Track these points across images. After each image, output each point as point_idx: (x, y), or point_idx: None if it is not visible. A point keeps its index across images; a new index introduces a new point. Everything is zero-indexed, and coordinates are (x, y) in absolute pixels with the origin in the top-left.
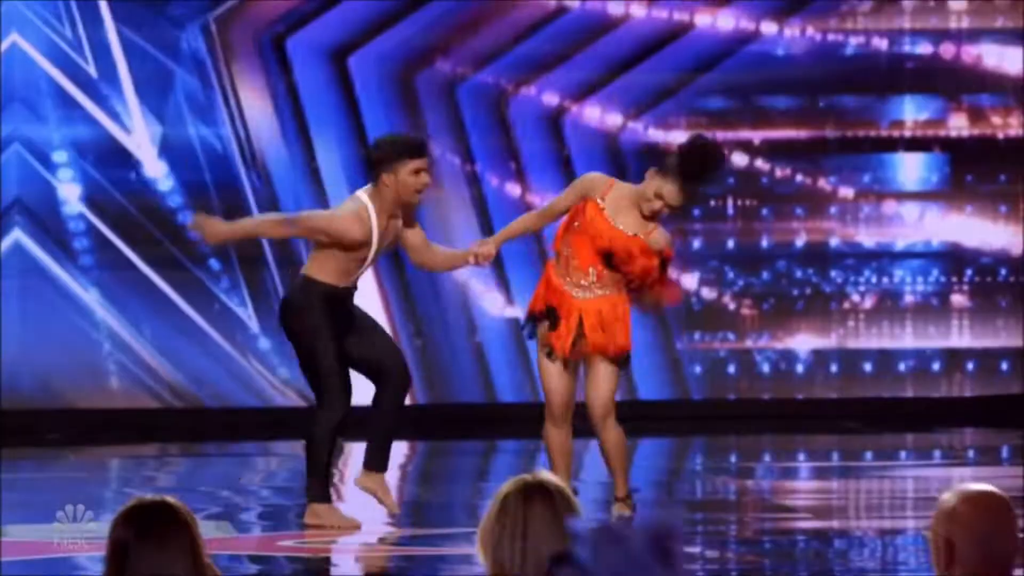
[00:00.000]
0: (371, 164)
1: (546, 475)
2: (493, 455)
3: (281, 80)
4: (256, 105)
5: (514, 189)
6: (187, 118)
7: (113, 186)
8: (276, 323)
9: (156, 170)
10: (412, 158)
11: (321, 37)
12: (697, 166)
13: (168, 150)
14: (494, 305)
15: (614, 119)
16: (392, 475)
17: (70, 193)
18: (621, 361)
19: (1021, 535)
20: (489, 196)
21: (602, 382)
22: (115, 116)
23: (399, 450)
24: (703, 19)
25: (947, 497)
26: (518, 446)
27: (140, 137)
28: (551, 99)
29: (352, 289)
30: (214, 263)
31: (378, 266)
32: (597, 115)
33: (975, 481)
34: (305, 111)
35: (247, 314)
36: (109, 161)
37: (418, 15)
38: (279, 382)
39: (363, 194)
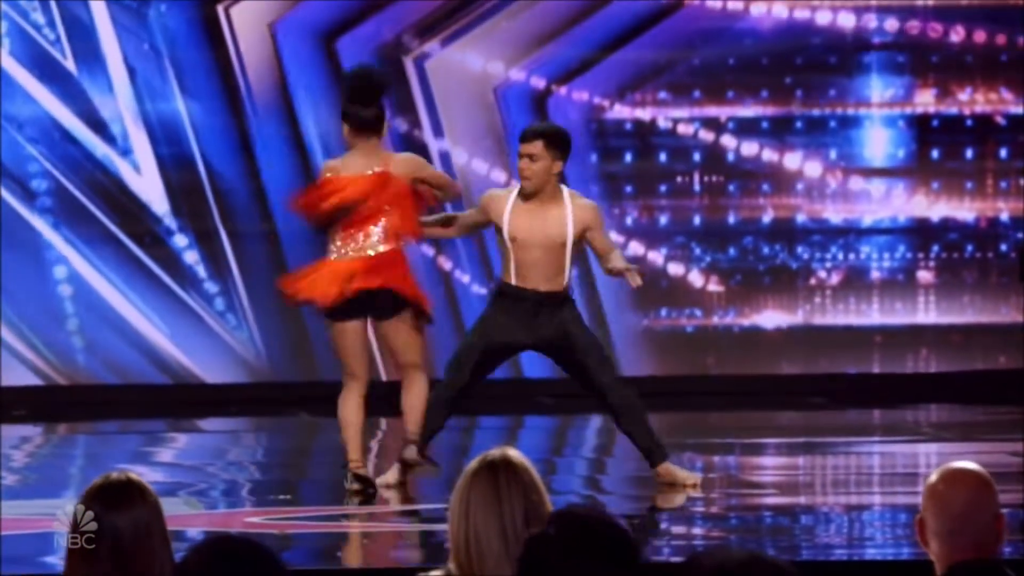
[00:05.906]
0: None
1: (497, 452)
2: (475, 431)
3: (273, 59)
4: (247, 83)
5: (493, 171)
6: (175, 95)
7: (88, 161)
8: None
9: (138, 145)
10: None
11: (310, 19)
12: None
13: (151, 126)
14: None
15: (580, 97)
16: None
17: (38, 167)
18: None
19: (1004, 511)
20: (473, 179)
21: None
22: (95, 92)
23: (379, 426)
24: None
25: (931, 475)
26: (500, 422)
27: (122, 111)
28: (537, 81)
29: (524, 291)
30: (179, 239)
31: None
32: (564, 94)
33: (957, 459)
34: (291, 89)
35: (216, 290)
36: (82, 137)
37: None
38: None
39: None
